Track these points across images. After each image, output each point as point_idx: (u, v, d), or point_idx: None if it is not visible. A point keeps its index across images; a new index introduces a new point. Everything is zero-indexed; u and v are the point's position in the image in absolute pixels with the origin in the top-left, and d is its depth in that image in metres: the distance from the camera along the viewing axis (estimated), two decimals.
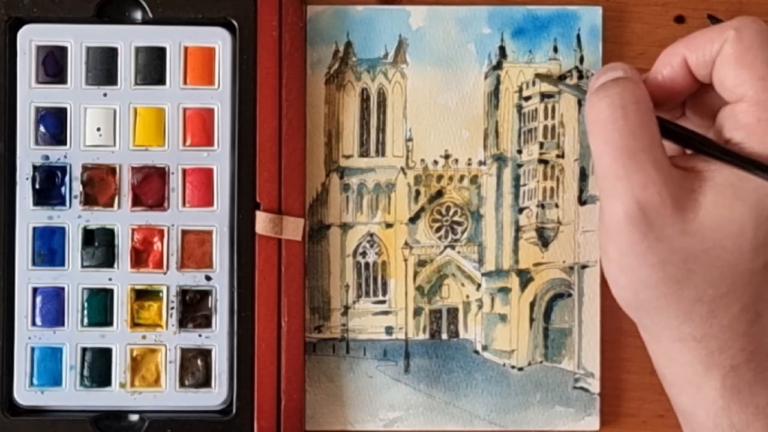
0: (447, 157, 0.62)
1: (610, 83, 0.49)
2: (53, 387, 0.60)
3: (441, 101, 0.61)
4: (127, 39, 0.60)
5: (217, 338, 0.60)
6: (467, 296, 0.62)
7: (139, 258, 0.60)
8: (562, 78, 0.61)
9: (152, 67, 0.60)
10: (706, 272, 0.48)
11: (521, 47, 0.61)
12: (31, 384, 0.60)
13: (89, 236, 0.60)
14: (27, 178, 0.59)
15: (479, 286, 0.62)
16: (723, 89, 0.49)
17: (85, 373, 0.60)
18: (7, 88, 0.59)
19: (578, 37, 0.61)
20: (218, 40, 0.60)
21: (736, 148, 0.48)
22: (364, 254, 0.62)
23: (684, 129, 0.51)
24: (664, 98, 0.51)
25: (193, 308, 0.60)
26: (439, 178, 0.62)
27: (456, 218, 0.62)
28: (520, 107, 0.62)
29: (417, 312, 0.62)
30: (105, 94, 0.60)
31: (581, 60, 0.61)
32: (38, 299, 0.60)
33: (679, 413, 0.53)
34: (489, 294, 0.62)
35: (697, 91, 0.52)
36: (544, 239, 0.61)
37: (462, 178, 0.62)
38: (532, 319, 0.61)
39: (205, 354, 0.60)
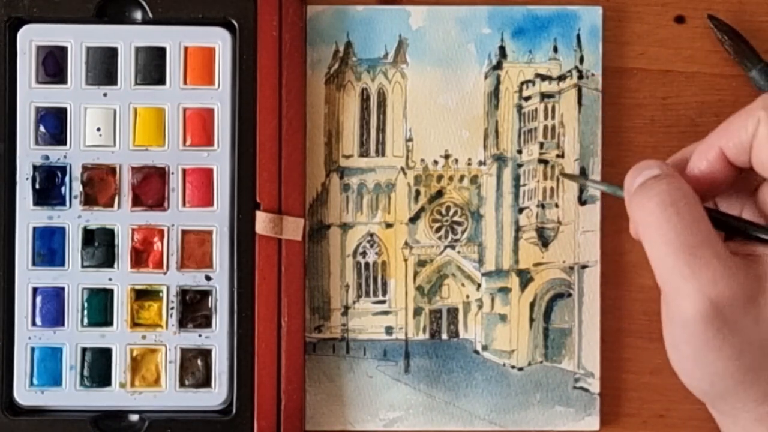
0: (447, 157, 0.62)
1: (653, 181, 0.49)
2: (53, 387, 0.60)
3: (441, 101, 0.61)
4: (127, 39, 0.60)
5: (217, 338, 0.60)
6: (467, 296, 0.62)
7: (139, 258, 0.60)
8: (561, 78, 0.61)
9: (152, 67, 0.60)
10: None
11: (521, 47, 0.61)
12: (31, 384, 0.60)
13: (89, 236, 0.60)
14: (27, 178, 0.59)
15: (479, 286, 0.62)
16: (765, 170, 0.49)
17: (85, 373, 0.60)
18: (7, 88, 0.59)
19: (578, 37, 0.61)
20: (218, 40, 0.60)
21: None
22: (364, 254, 0.62)
23: (735, 218, 0.50)
24: (706, 191, 0.50)
25: (193, 308, 0.60)
26: (439, 178, 0.62)
27: (456, 218, 0.62)
28: (520, 107, 0.62)
29: (417, 312, 0.62)
30: (105, 94, 0.60)
31: (581, 60, 0.61)
32: (38, 299, 0.60)
33: None
34: (489, 294, 0.62)
35: None
36: (544, 239, 0.61)
37: (462, 178, 0.62)
38: (532, 319, 0.61)
39: (205, 354, 0.60)
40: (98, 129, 0.60)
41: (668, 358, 0.50)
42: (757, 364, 0.47)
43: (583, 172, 0.61)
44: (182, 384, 0.60)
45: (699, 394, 0.50)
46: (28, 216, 0.59)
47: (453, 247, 0.62)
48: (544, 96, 0.62)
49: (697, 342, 0.47)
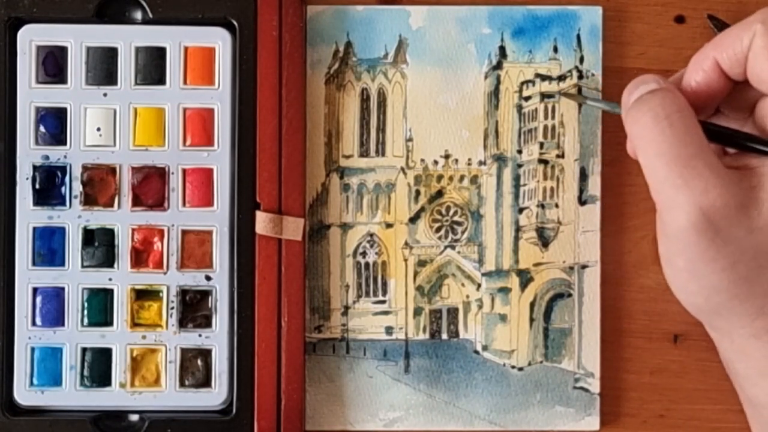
0: (447, 157, 0.62)
1: (648, 96, 0.49)
2: (53, 387, 0.60)
3: (441, 101, 0.61)
4: (127, 39, 0.60)
5: (217, 338, 0.60)
6: (467, 296, 0.62)
7: (139, 258, 0.60)
8: (561, 78, 0.61)
9: (152, 67, 0.60)
10: None
11: (521, 47, 0.61)
12: (31, 384, 0.60)
13: (89, 236, 0.60)
14: (27, 178, 0.59)
15: (479, 286, 0.62)
16: (760, 82, 0.49)
17: (85, 373, 0.60)
18: (7, 88, 0.59)
19: (578, 37, 0.61)
20: (218, 40, 0.60)
21: None
22: (364, 254, 0.62)
23: (729, 129, 0.51)
24: (701, 104, 0.50)
25: (193, 308, 0.60)
26: (439, 178, 0.62)
27: (456, 218, 0.62)
28: (520, 107, 0.62)
29: (417, 312, 0.62)
30: (105, 94, 0.60)
31: (581, 60, 0.61)
32: (38, 299, 0.60)
33: (750, 407, 0.53)
34: (489, 294, 0.62)
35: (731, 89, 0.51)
36: (544, 239, 0.61)
37: (462, 178, 0.62)
38: (532, 319, 0.61)
39: (205, 354, 0.60)
40: (98, 129, 0.60)
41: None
42: (752, 274, 0.48)
43: (583, 172, 0.61)
44: (182, 384, 0.60)
45: (694, 310, 0.50)
46: (28, 216, 0.59)
47: (453, 247, 0.62)
48: (544, 96, 0.62)
49: (690, 253, 0.48)
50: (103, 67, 0.60)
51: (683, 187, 0.47)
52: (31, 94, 0.60)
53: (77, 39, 0.60)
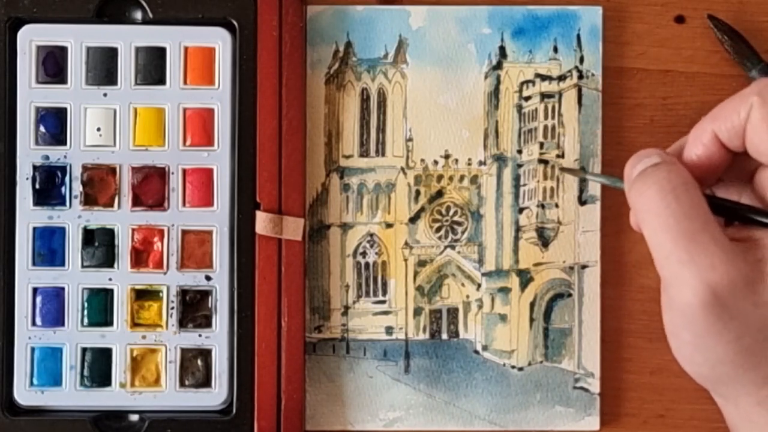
0: (447, 157, 0.62)
1: (652, 169, 0.49)
2: (53, 387, 0.60)
3: (441, 101, 0.61)
4: (127, 39, 0.60)
5: (217, 338, 0.60)
6: (467, 296, 0.62)
7: (139, 258, 0.60)
8: (561, 78, 0.61)
9: (152, 67, 0.60)
10: None
11: (521, 47, 0.61)
12: (31, 384, 0.60)
13: (89, 236, 0.60)
14: (27, 178, 0.59)
15: (479, 286, 0.62)
16: (759, 154, 0.49)
17: (85, 373, 0.60)
18: (7, 88, 0.59)
19: (578, 37, 0.61)
20: (218, 40, 0.60)
21: None
22: (364, 254, 0.62)
23: (732, 203, 0.50)
24: (703, 176, 0.50)
25: (193, 308, 0.60)
26: (439, 178, 0.62)
27: (456, 218, 0.62)
28: (520, 107, 0.62)
29: (417, 312, 0.62)
30: (105, 94, 0.60)
31: (581, 60, 0.61)
32: (38, 299, 0.60)
33: None
34: (489, 294, 0.62)
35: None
36: (544, 239, 0.61)
37: (462, 178, 0.62)
38: (532, 319, 0.61)
39: (205, 354, 0.60)
40: (98, 129, 0.60)
41: (669, 346, 0.50)
42: (757, 348, 0.47)
43: (583, 170, 0.61)
44: (182, 384, 0.60)
45: (700, 379, 0.50)
46: (28, 216, 0.59)
47: (453, 247, 0.62)
48: (544, 96, 0.62)
49: (696, 328, 0.47)
50: (103, 67, 0.60)
51: (689, 263, 0.47)
52: (31, 94, 0.60)
53: (77, 39, 0.60)
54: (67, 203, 0.60)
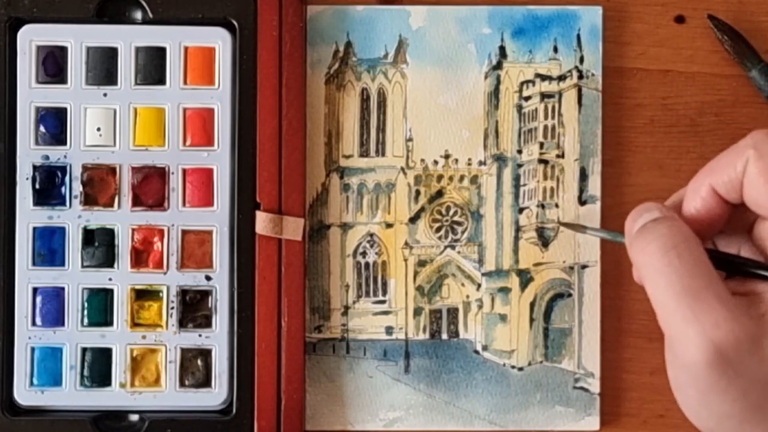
0: (447, 157, 0.62)
1: (653, 224, 0.48)
2: (53, 387, 0.60)
3: (441, 101, 0.61)
4: (127, 39, 0.60)
5: (217, 338, 0.60)
6: (467, 296, 0.62)
7: (139, 258, 0.60)
8: (561, 78, 0.61)
9: (152, 67, 0.60)
10: None
11: (521, 47, 0.61)
12: (31, 384, 0.60)
13: (89, 236, 0.60)
14: (27, 178, 0.59)
15: (479, 286, 0.62)
16: (758, 207, 0.48)
17: (85, 373, 0.60)
18: (7, 88, 0.59)
19: (578, 37, 0.61)
20: (218, 40, 0.60)
21: None
22: (364, 254, 0.62)
23: (734, 257, 0.50)
24: (703, 230, 0.50)
25: (193, 308, 0.60)
26: (439, 178, 0.62)
27: (456, 218, 0.62)
28: (520, 107, 0.62)
29: (417, 312, 0.62)
30: (105, 94, 0.60)
31: (581, 60, 0.61)
32: (38, 299, 0.60)
33: None
34: (489, 294, 0.62)
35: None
36: (544, 239, 0.61)
37: (462, 178, 0.62)
38: (532, 319, 0.61)
39: (205, 354, 0.60)
40: (98, 129, 0.60)
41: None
42: (764, 402, 0.47)
43: (583, 172, 0.61)
44: (182, 384, 0.60)
45: (706, 431, 0.50)
46: (28, 216, 0.59)
47: (453, 247, 0.62)
48: (544, 96, 0.62)
49: (701, 385, 0.47)
50: (103, 67, 0.60)
51: (693, 321, 0.46)
52: (31, 94, 0.60)
53: (77, 39, 0.60)
54: (67, 203, 0.60)
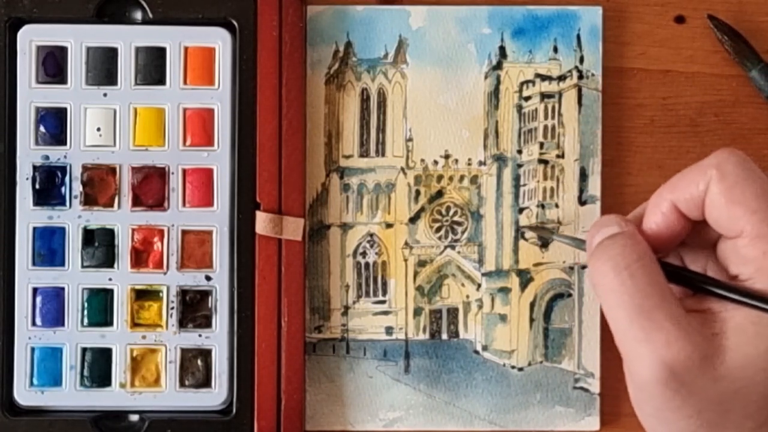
0: (447, 157, 0.62)
1: (609, 242, 0.48)
2: (53, 387, 0.60)
3: (441, 101, 0.61)
4: (127, 39, 0.60)
5: (217, 338, 0.60)
6: (467, 296, 0.62)
7: (139, 258, 0.60)
8: (561, 78, 0.61)
9: (152, 67, 0.60)
10: (742, 409, 0.47)
11: (521, 47, 0.61)
12: (31, 384, 0.60)
13: (89, 236, 0.60)
14: (27, 178, 0.59)
15: (479, 286, 0.62)
16: (719, 227, 0.48)
17: (85, 373, 0.60)
18: (7, 88, 0.59)
19: (578, 37, 0.61)
20: (218, 40, 0.60)
21: (747, 284, 0.47)
22: (364, 254, 0.62)
23: (692, 273, 0.50)
24: (663, 245, 0.50)
25: (193, 308, 0.60)
26: (439, 178, 0.62)
27: (456, 218, 0.62)
28: (520, 107, 0.62)
29: (417, 312, 0.62)
30: (105, 94, 0.60)
31: (581, 60, 0.61)
32: (38, 299, 0.60)
33: None
34: (489, 294, 0.62)
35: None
36: (544, 239, 0.61)
37: (462, 178, 0.62)
38: (532, 319, 0.61)
39: (205, 354, 0.60)
40: (98, 129, 0.60)
41: None
42: (719, 419, 0.47)
43: (583, 172, 0.61)
44: (182, 384, 0.60)
45: None
46: (28, 216, 0.59)
47: (453, 247, 0.62)
48: (544, 96, 0.62)
49: (656, 403, 0.47)
50: (103, 67, 0.60)
51: (645, 341, 0.46)
52: (31, 94, 0.60)
53: (77, 39, 0.60)
54: (67, 203, 0.60)
